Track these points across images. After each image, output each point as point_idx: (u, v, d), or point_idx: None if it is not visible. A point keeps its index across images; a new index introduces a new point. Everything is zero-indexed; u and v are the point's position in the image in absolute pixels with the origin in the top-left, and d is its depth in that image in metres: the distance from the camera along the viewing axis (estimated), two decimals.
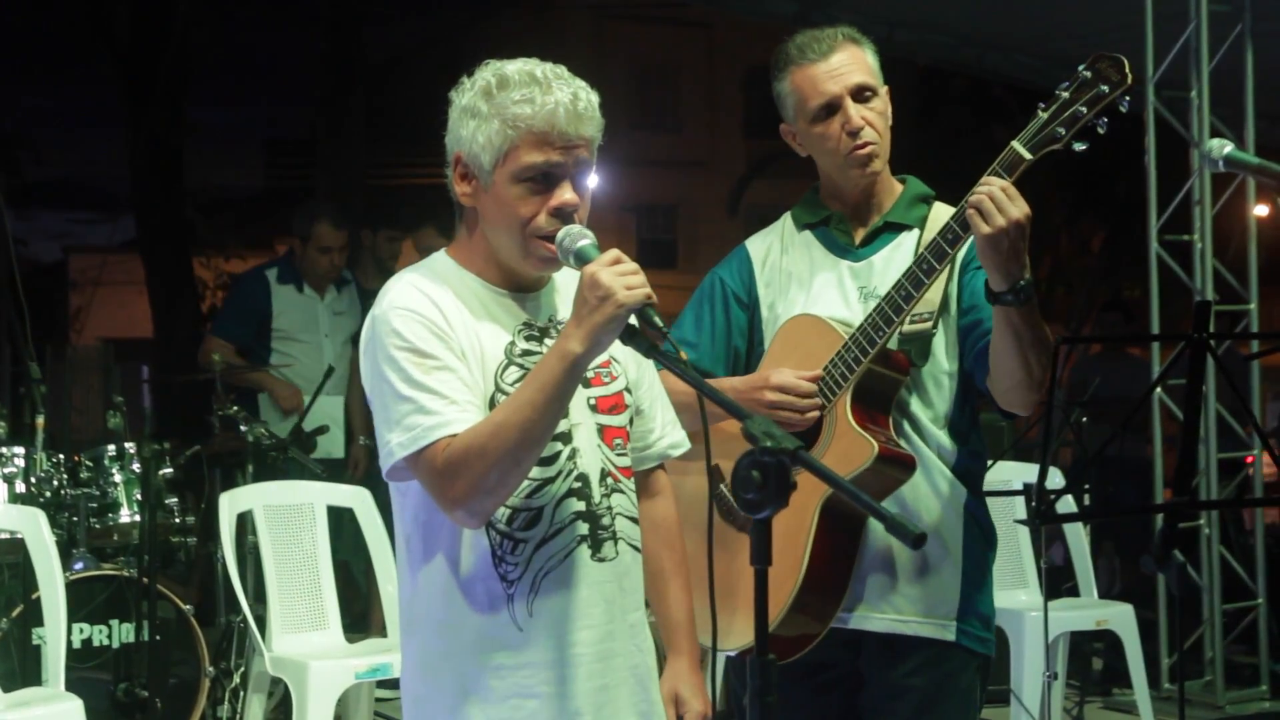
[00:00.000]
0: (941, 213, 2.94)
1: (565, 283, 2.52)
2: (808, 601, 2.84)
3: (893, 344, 2.87)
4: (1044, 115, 2.69)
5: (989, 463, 4.92)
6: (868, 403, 2.86)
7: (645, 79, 26.91)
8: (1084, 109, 2.66)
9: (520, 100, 2.36)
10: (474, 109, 2.40)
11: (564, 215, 2.38)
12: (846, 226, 3.03)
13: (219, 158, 22.90)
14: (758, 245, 3.13)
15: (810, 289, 3.01)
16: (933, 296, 2.87)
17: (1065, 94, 2.68)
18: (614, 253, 2.29)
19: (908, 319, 2.85)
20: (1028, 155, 2.68)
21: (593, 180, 2.47)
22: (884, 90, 2.98)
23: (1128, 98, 2.66)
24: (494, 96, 2.38)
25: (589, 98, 2.41)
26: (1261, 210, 8.11)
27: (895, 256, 2.96)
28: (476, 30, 22.74)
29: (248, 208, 24.66)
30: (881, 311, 2.82)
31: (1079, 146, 2.68)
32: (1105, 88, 2.65)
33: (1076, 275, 20.69)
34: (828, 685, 2.99)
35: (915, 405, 2.92)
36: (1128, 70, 2.65)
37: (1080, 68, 2.68)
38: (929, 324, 2.89)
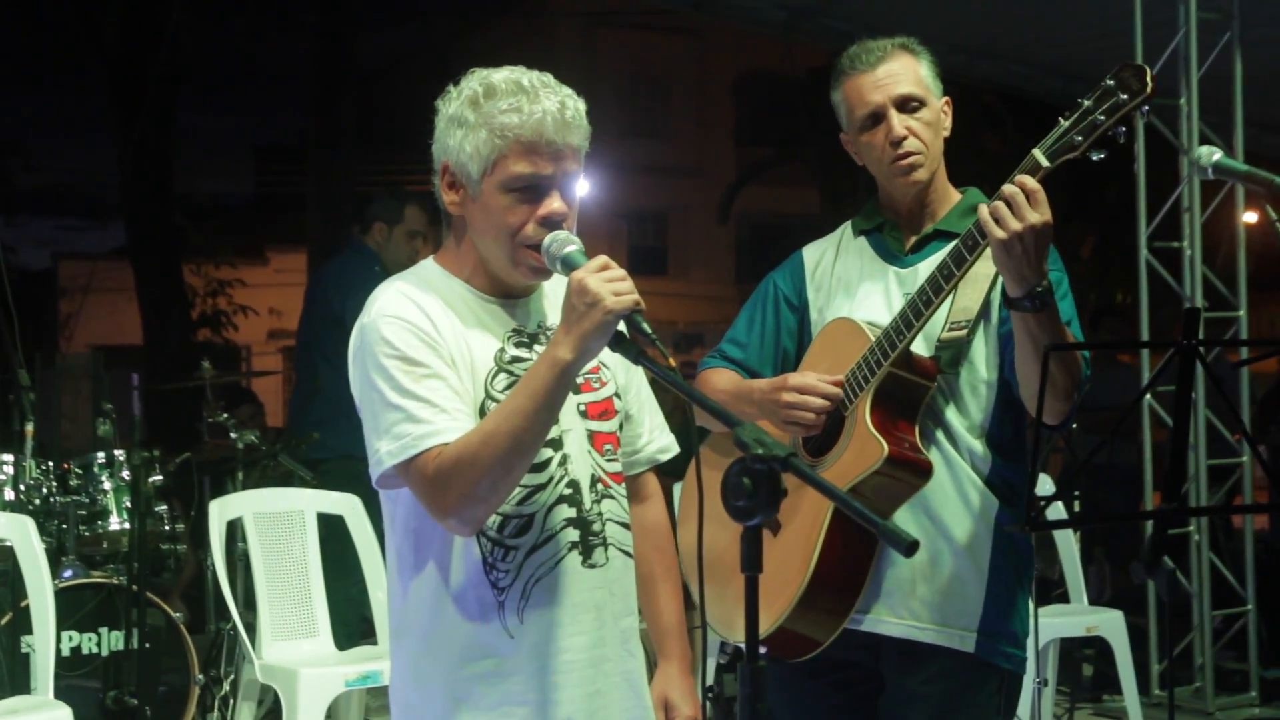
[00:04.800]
0: None
1: (554, 289, 2.52)
2: (817, 599, 2.84)
3: (926, 350, 2.87)
4: (1065, 124, 2.67)
5: None
6: (890, 407, 2.86)
7: (636, 86, 26.95)
8: (1102, 117, 2.64)
9: (508, 109, 2.35)
10: (461, 118, 2.39)
11: (552, 224, 2.38)
12: (899, 233, 3.05)
13: (209, 164, 22.91)
14: (813, 251, 3.17)
15: (856, 293, 3.04)
16: (971, 304, 2.87)
17: (1087, 102, 2.66)
18: (601, 259, 2.29)
19: (946, 326, 2.86)
20: (1046, 163, 2.66)
21: (582, 187, 2.47)
22: (937, 101, 2.99)
23: (1146, 107, 2.65)
24: (481, 106, 2.37)
25: (576, 106, 2.40)
26: (1250, 217, 8.11)
27: None
28: (467, 38, 22.75)
29: (238, 214, 24.64)
30: (903, 316, 2.82)
31: (1097, 155, 2.67)
32: (1125, 96, 2.63)
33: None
34: (846, 683, 2.99)
35: (950, 413, 2.91)
36: (1149, 79, 2.62)
37: (1106, 78, 2.66)
38: (964, 331, 2.88)
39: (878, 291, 3.01)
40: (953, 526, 2.89)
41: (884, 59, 2.96)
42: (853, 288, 3.04)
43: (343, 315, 5.81)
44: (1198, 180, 6.69)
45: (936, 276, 2.79)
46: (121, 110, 14.06)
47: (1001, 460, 2.92)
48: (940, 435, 2.90)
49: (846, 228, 3.15)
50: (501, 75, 2.41)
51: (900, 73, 2.96)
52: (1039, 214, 2.60)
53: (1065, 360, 2.72)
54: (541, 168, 2.37)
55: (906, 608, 2.89)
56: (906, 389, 2.87)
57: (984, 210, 2.64)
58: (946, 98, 3.02)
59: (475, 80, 2.42)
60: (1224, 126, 6.98)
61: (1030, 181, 2.62)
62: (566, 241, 2.35)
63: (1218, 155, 2.79)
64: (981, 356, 2.92)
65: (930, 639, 2.89)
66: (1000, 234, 2.60)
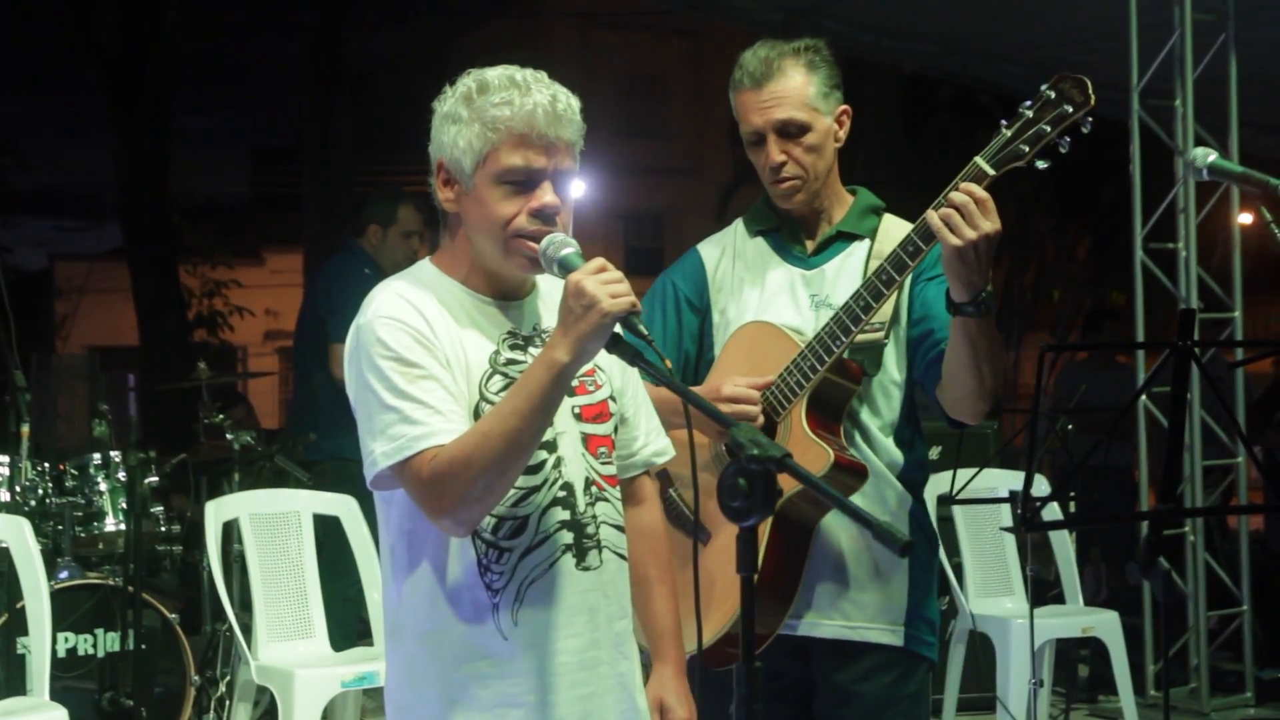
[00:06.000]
0: (891, 224, 3.00)
1: (550, 291, 2.52)
2: (759, 607, 2.86)
3: (845, 353, 2.90)
4: (1007, 133, 2.71)
5: (974, 470, 4.95)
6: (822, 411, 2.90)
7: (632, 87, 26.92)
8: (1047, 128, 2.68)
9: (500, 103, 2.36)
10: (455, 115, 2.40)
11: (545, 216, 2.38)
12: (799, 235, 3.07)
13: (205, 165, 22.90)
14: (710, 250, 3.16)
15: (762, 295, 3.05)
16: (884, 307, 2.90)
17: (1029, 112, 2.71)
18: (598, 261, 2.29)
19: (861, 330, 2.89)
20: (991, 171, 2.70)
21: (578, 188, 2.47)
22: (827, 119, 2.98)
23: (1090, 118, 2.69)
24: (474, 101, 2.39)
25: (569, 100, 2.41)
26: (1246, 218, 8.14)
27: (847, 265, 3.01)
28: (462, 38, 22.75)
29: (234, 215, 24.63)
30: (839, 321, 2.85)
31: (1041, 164, 2.71)
32: (1069, 108, 2.68)
33: (1062, 282, 20.73)
34: (780, 693, 3.02)
35: (865, 414, 2.97)
36: (1090, 91, 2.68)
37: (1043, 86, 2.71)
38: (880, 334, 2.94)
39: (784, 293, 3.04)
40: None
41: (770, 76, 2.96)
42: (758, 289, 3.06)
43: (328, 317, 5.79)
44: (1193, 181, 6.69)
45: (875, 282, 2.82)
46: (118, 111, 14.06)
47: (910, 457, 3.00)
48: (858, 436, 2.97)
49: (739, 227, 3.15)
50: (495, 72, 2.42)
51: (785, 94, 2.96)
52: (990, 223, 2.63)
53: (996, 363, 2.77)
54: (533, 160, 2.37)
55: (838, 609, 2.95)
56: (836, 393, 2.92)
57: (934, 218, 2.66)
58: (844, 106, 3.01)
59: (470, 78, 2.43)
60: (1219, 127, 6.98)
61: (979, 190, 2.65)
62: (564, 244, 2.35)
63: (1213, 156, 2.80)
64: (893, 359, 2.98)
65: (862, 636, 2.95)
66: (955, 241, 2.63)
